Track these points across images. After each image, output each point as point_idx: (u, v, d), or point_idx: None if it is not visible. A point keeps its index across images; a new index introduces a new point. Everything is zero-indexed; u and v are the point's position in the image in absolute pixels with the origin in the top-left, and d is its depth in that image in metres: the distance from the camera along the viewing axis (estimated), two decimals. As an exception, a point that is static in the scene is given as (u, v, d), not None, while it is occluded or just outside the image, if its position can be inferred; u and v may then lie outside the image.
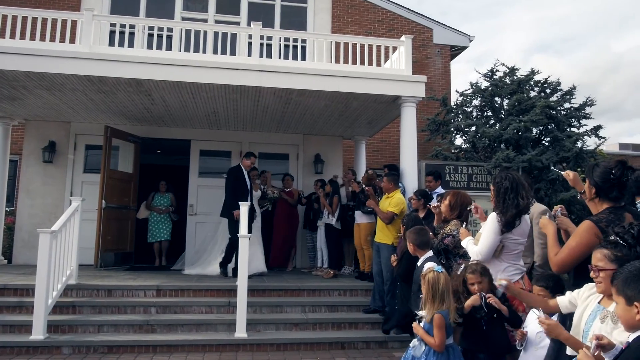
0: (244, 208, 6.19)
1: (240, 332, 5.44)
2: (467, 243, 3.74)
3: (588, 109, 9.74)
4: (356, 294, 6.63)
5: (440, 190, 6.65)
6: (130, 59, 6.42)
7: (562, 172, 3.37)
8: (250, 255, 7.22)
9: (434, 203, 5.85)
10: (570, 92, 9.87)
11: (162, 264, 8.87)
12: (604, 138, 9.61)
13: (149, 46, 7.17)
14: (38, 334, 5.07)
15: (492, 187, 3.61)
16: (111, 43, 7.09)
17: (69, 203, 6.84)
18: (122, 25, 7.16)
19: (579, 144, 9.36)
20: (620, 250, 2.15)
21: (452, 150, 10.31)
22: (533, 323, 2.99)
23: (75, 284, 6.10)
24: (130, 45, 6.99)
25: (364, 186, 7.07)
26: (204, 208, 9.22)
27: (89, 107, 7.93)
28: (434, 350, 3.08)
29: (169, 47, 7.03)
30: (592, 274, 2.27)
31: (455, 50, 13.10)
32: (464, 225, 4.14)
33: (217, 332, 5.65)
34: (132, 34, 7.11)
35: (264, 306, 6.09)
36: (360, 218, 7.19)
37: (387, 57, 7.88)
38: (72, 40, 6.93)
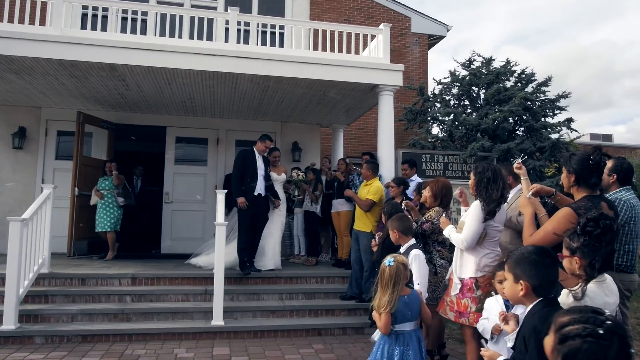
0: (220, 195, 6.14)
1: (217, 320, 5.43)
2: (449, 232, 3.80)
3: (563, 101, 9.96)
4: (333, 281, 6.68)
5: (416, 177, 6.72)
6: (103, 42, 6.26)
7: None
8: (262, 248, 6.78)
9: (412, 191, 5.92)
10: (545, 83, 10.05)
11: (103, 257, 7.69)
12: (575, 131, 9.85)
13: (123, 30, 6.99)
14: (9, 323, 4.97)
15: (472, 177, 3.64)
16: (83, 26, 6.88)
17: (40, 190, 6.68)
18: (95, 8, 6.96)
19: (555, 135, 9.60)
20: (574, 240, 2.24)
21: (429, 140, 10.41)
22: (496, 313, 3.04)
23: (48, 272, 5.98)
24: (104, 29, 6.82)
25: (349, 176, 7.12)
26: (181, 196, 9.14)
27: (61, 92, 7.73)
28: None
29: (143, 32, 6.86)
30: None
31: (433, 40, 13.17)
32: (444, 215, 4.19)
33: (193, 320, 5.64)
34: (105, 18, 6.93)
35: (241, 294, 6.09)
36: (341, 206, 7.22)
37: (365, 45, 7.87)
38: (42, 23, 6.70)
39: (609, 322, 1.37)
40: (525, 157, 3.83)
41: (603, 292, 2.18)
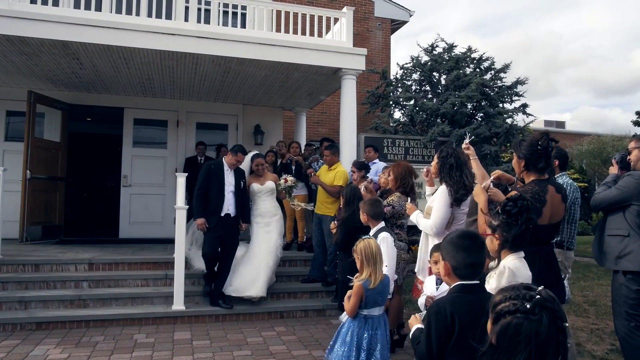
0: (180, 179, 5.94)
1: (178, 305, 5.38)
2: (416, 217, 3.80)
3: (520, 87, 10.22)
4: (295, 264, 6.72)
5: (377, 162, 6.78)
6: (55, 18, 5.96)
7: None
8: (240, 268, 5.82)
9: (378, 176, 5.98)
10: (503, 70, 10.29)
11: None
12: (531, 115, 10.16)
13: (77, 5, 6.68)
14: (-43, 312, 4.77)
15: (436, 160, 3.66)
16: (33, 1, 6.52)
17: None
18: (46, -18, 6.61)
19: (509, 121, 9.87)
20: (495, 218, 2.38)
21: (391, 124, 10.52)
22: (431, 287, 3.15)
23: (-1, 258, 5.75)
24: (55, 3, 6.49)
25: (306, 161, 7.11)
26: (139, 179, 8.92)
27: (10, 70, 7.35)
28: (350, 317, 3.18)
29: (98, 8, 6.55)
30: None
31: (396, 25, 13.24)
32: (408, 200, 4.23)
33: (153, 305, 5.56)
34: (57, -8, 6.58)
35: (202, 278, 6.03)
36: (300, 190, 7.20)
37: (328, 29, 7.82)
38: (-12, -4, 6.32)
39: (538, 296, 1.36)
40: (473, 137, 3.78)
41: (523, 265, 2.33)
